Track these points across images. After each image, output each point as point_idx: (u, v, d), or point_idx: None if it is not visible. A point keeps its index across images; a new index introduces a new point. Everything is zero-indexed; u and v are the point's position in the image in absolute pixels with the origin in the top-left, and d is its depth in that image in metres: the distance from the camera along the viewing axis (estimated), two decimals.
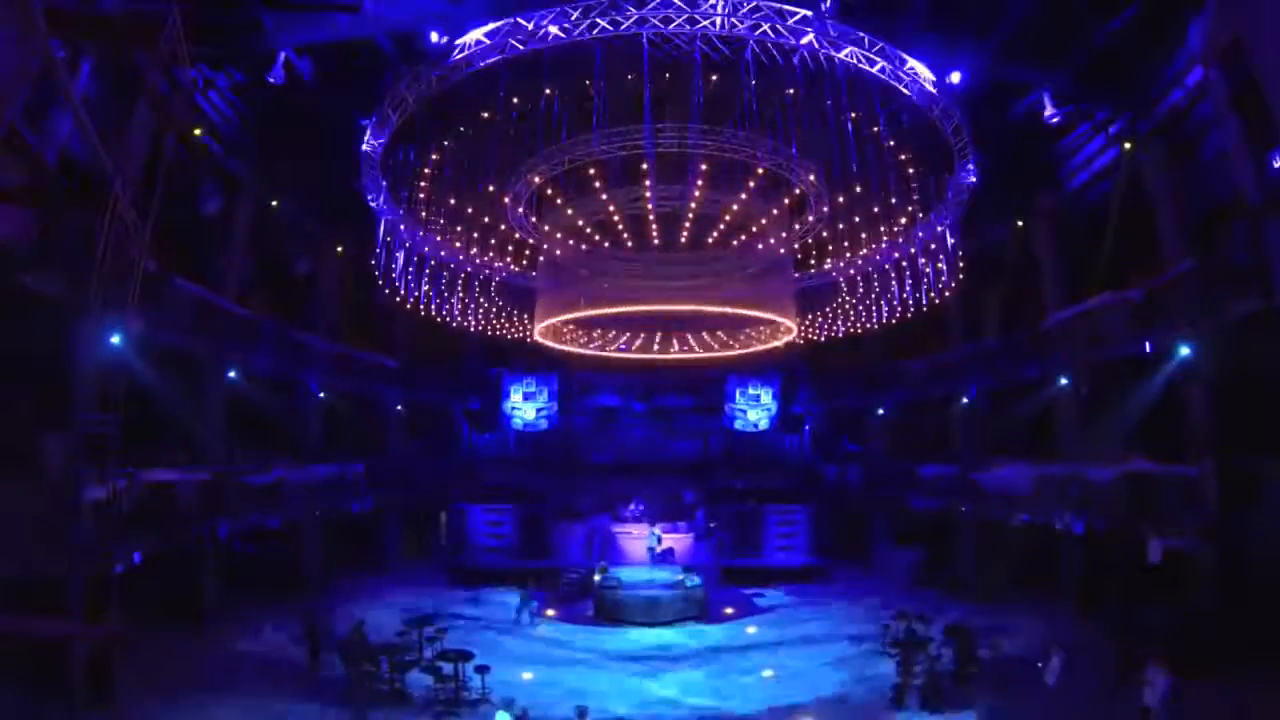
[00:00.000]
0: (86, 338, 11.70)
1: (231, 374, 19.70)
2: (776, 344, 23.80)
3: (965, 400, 25.06)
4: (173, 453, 17.53)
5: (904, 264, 19.63)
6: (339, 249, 25.38)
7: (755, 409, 32.02)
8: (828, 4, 13.32)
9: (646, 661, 17.01)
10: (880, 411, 29.79)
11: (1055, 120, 17.84)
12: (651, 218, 17.61)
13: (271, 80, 16.17)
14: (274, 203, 21.40)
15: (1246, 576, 13.43)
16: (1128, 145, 17.77)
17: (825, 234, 19.18)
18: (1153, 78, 16.56)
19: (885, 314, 21.81)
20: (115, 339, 12.26)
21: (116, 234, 9.94)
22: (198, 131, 16.82)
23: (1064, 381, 20.25)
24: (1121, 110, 17.86)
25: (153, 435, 16.62)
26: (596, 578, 22.32)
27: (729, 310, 19.94)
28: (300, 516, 21.46)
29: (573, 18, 12.61)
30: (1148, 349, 16.65)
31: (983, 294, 24.73)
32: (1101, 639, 15.29)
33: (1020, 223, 22.50)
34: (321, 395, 24.36)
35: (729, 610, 21.54)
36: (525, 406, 31.65)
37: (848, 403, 31.65)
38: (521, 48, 13.09)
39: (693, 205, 17.20)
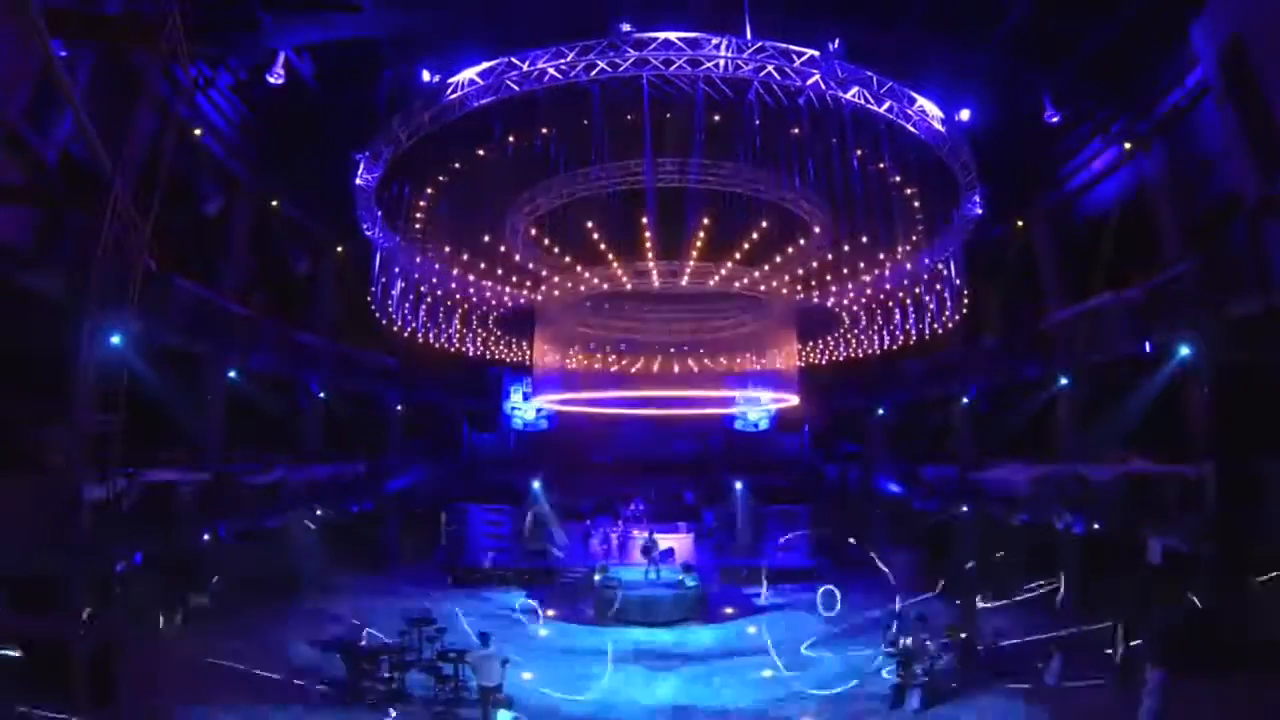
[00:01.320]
0: (86, 338, 11.69)
1: (231, 374, 19.69)
2: (780, 405, 23.78)
3: (965, 400, 25.04)
4: (173, 453, 17.54)
5: (906, 299, 19.38)
6: (339, 249, 25.36)
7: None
8: (836, 44, 12.99)
9: (646, 661, 16.99)
10: (880, 411, 29.75)
11: (1055, 120, 17.84)
12: (653, 266, 17.41)
13: (271, 80, 16.19)
14: (274, 203, 21.40)
15: (1246, 576, 13.44)
16: (1128, 145, 17.77)
17: (829, 260, 18.95)
18: (1153, 78, 16.56)
19: (886, 342, 21.74)
20: (115, 339, 12.25)
21: (116, 234, 9.92)
22: (198, 131, 16.82)
23: (1064, 381, 20.24)
24: (1121, 110, 17.87)
25: (153, 435, 16.61)
26: (596, 578, 22.31)
27: (727, 394, 20.11)
28: (300, 516, 21.46)
29: (568, 58, 12.19)
30: (1148, 349, 16.65)
31: (983, 294, 24.73)
32: (1101, 639, 15.26)
33: (1020, 223, 22.48)
34: (321, 395, 24.35)
35: (729, 610, 21.52)
36: (525, 406, 31.62)
37: (848, 403, 31.61)
38: (516, 89, 12.73)
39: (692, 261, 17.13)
